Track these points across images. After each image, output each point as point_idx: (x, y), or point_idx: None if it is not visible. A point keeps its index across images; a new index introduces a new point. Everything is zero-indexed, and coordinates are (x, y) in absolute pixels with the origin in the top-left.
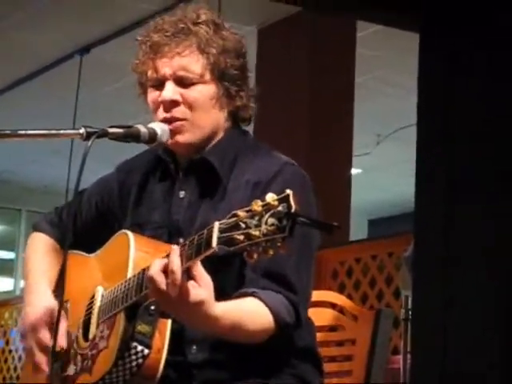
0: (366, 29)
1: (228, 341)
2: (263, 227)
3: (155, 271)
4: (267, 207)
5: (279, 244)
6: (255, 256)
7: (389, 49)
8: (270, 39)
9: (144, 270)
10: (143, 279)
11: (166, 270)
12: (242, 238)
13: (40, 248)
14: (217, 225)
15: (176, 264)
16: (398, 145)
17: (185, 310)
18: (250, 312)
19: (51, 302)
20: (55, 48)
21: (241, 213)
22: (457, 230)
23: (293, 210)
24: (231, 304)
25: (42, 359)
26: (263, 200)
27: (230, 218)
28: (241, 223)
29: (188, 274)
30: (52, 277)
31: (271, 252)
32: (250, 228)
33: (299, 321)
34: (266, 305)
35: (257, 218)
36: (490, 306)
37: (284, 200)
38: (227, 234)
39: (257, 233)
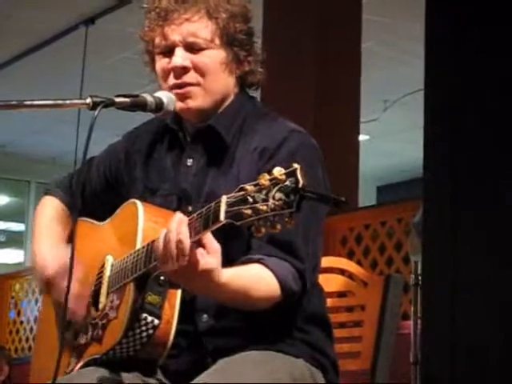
0: None
1: (234, 308)
2: (271, 202)
3: (163, 241)
4: (275, 181)
5: (287, 219)
6: (263, 230)
7: (395, 14)
8: (275, 5)
9: (154, 241)
10: (152, 250)
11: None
12: (249, 212)
13: (48, 209)
14: (224, 198)
15: (184, 234)
16: (405, 110)
17: (193, 279)
18: (257, 279)
19: (61, 257)
20: (60, 20)
21: (248, 187)
22: (464, 194)
23: (300, 185)
24: (237, 270)
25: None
26: (270, 173)
27: (237, 191)
28: (248, 197)
29: (198, 242)
30: (59, 235)
31: (279, 227)
32: (257, 202)
33: (305, 289)
34: (273, 272)
35: (264, 192)
36: (496, 269)
37: (291, 174)
38: (235, 208)
39: (264, 207)
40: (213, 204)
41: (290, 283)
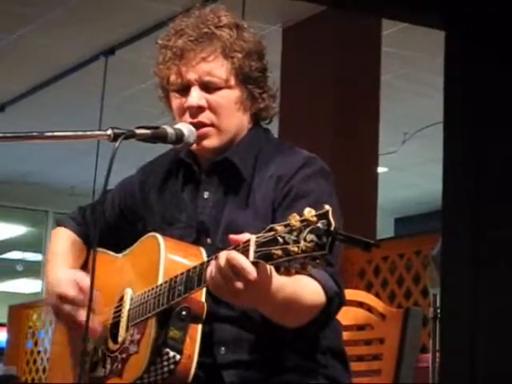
0: (392, 27)
1: (279, 321)
2: (302, 243)
3: (226, 268)
4: (306, 223)
5: (318, 261)
6: (293, 271)
7: (414, 47)
8: (294, 38)
9: (176, 276)
10: (175, 285)
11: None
12: (279, 253)
13: (62, 241)
14: (254, 238)
15: (244, 260)
16: (424, 143)
17: (249, 299)
18: (303, 285)
19: (74, 272)
20: (80, 50)
21: (278, 227)
22: (485, 228)
23: (332, 228)
24: (284, 279)
25: (81, 313)
26: (301, 214)
27: (267, 231)
28: (279, 238)
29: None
30: (72, 265)
31: (309, 268)
32: (288, 244)
33: (341, 292)
34: (313, 278)
35: (295, 233)
36: None
37: (323, 216)
38: (264, 249)
39: (295, 249)
40: (241, 244)
41: (332, 286)
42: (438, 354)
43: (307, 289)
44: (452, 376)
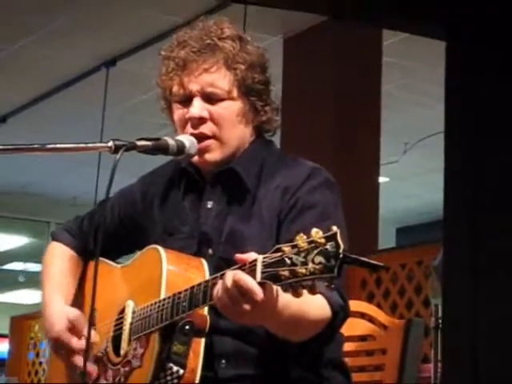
0: (392, 37)
1: (285, 337)
2: (310, 266)
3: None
4: (314, 244)
5: (326, 283)
6: (300, 292)
7: (415, 57)
8: (295, 49)
9: (180, 292)
10: (180, 301)
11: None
12: (287, 274)
13: (56, 260)
14: (260, 258)
15: (251, 282)
16: (425, 153)
17: (255, 318)
18: (308, 300)
19: (68, 311)
20: (82, 61)
21: (285, 248)
22: (484, 238)
23: (341, 250)
24: (289, 296)
25: (77, 359)
26: (308, 235)
27: (273, 252)
28: (286, 259)
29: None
30: (67, 289)
31: (317, 290)
32: (295, 265)
33: (346, 305)
34: (319, 292)
35: (303, 254)
36: None
37: (331, 238)
38: (271, 270)
39: (303, 271)
40: (247, 264)
41: (337, 299)
42: (439, 364)
43: (312, 304)
44: None
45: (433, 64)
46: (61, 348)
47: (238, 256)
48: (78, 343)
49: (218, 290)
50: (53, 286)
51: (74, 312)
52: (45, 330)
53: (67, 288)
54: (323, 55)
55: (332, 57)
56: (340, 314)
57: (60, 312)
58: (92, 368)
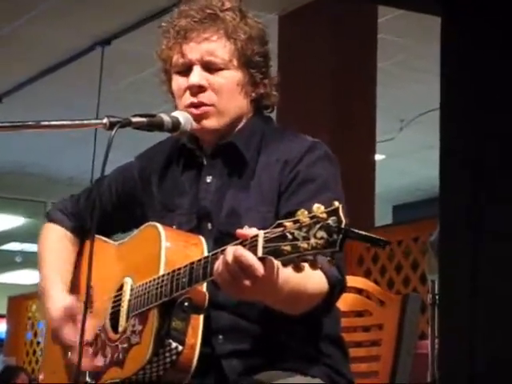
0: (387, 14)
1: (282, 311)
2: (312, 240)
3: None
4: (316, 219)
5: (328, 258)
6: (302, 267)
7: (411, 33)
8: (290, 26)
9: (179, 268)
10: (179, 277)
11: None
12: (288, 249)
13: (52, 240)
14: (262, 233)
15: (252, 257)
16: (421, 130)
17: (255, 294)
18: (307, 275)
19: (65, 300)
20: (77, 40)
21: (287, 223)
22: (482, 213)
23: (343, 225)
24: (288, 271)
25: (72, 356)
26: (310, 210)
27: (275, 227)
28: (288, 234)
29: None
30: (65, 269)
31: (319, 265)
32: (297, 240)
33: (343, 278)
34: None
35: (305, 229)
36: None
37: (333, 213)
38: (273, 244)
39: (305, 245)
40: (248, 239)
41: (335, 273)
42: (436, 341)
43: (311, 278)
44: (451, 362)
45: (428, 40)
46: (56, 339)
47: (239, 231)
48: (71, 338)
49: (218, 265)
50: (50, 270)
51: (70, 300)
52: (43, 313)
53: (64, 270)
54: (318, 33)
55: (327, 34)
56: (337, 287)
57: (57, 300)
58: (87, 364)
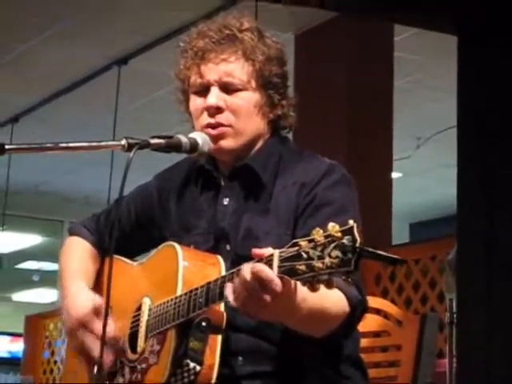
0: (404, 32)
1: (302, 333)
2: (327, 260)
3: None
4: (331, 238)
5: (343, 277)
6: (317, 287)
7: (427, 52)
8: (306, 46)
9: (197, 288)
10: (196, 297)
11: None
12: (303, 268)
13: (75, 251)
14: (277, 253)
15: (271, 273)
16: (438, 148)
17: (275, 312)
18: (326, 295)
19: (94, 297)
20: (93, 60)
21: (302, 242)
22: (499, 233)
23: (358, 244)
24: (306, 291)
25: (98, 348)
26: (325, 229)
27: (290, 246)
28: (303, 253)
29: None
30: (87, 279)
31: (334, 284)
32: (312, 259)
33: (364, 299)
34: (337, 286)
35: (319, 248)
36: None
37: (348, 232)
38: (288, 264)
39: (320, 265)
40: (264, 258)
41: (355, 293)
42: (454, 359)
43: (331, 298)
44: (469, 380)
45: (445, 58)
46: (82, 332)
47: (255, 251)
48: (100, 326)
49: (232, 287)
50: (74, 274)
51: (98, 298)
52: (65, 319)
53: (89, 275)
54: (335, 51)
55: (343, 53)
56: (358, 308)
57: (85, 295)
58: (108, 360)
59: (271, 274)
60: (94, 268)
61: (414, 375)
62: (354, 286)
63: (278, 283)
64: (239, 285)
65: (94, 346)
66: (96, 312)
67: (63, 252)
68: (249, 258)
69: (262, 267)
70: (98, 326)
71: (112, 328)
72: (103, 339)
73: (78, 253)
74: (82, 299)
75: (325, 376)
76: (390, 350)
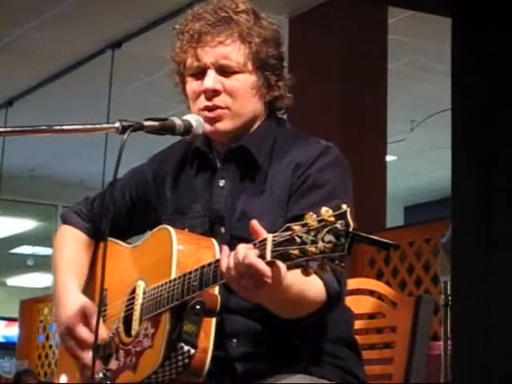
0: (398, 15)
1: (280, 314)
2: (320, 244)
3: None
4: (324, 223)
5: (337, 261)
6: (311, 271)
7: (421, 34)
8: (301, 28)
9: (190, 272)
10: (190, 281)
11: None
12: (297, 252)
13: (68, 242)
14: (270, 237)
15: (262, 265)
16: (432, 130)
17: (258, 295)
18: (308, 284)
19: (82, 300)
20: (87, 44)
21: (295, 227)
22: (495, 213)
23: (351, 228)
24: (292, 278)
25: (85, 355)
26: (318, 214)
27: (283, 231)
28: (296, 238)
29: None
30: (81, 272)
31: (328, 269)
32: (305, 244)
33: (342, 290)
34: (319, 276)
35: (313, 233)
36: None
37: (341, 216)
38: (281, 248)
39: (313, 249)
40: (257, 242)
41: (334, 285)
42: (449, 342)
43: (312, 289)
44: (464, 363)
45: (439, 41)
46: (69, 338)
47: (254, 225)
48: (87, 334)
49: (228, 261)
50: (65, 272)
51: (86, 301)
52: (55, 317)
53: (80, 272)
54: (328, 34)
55: (337, 36)
56: (334, 299)
57: (73, 300)
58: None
59: (262, 265)
60: (87, 259)
61: (409, 357)
62: (335, 277)
63: (267, 274)
64: (232, 263)
65: (80, 354)
66: (82, 317)
67: (56, 243)
68: (244, 239)
69: (253, 258)
70: (82, 332)
71: (102, 331)
72: (96, 341)
73: (71, 244)
74: (69, 304)
75: (317, 357)
76: (384, 332)
